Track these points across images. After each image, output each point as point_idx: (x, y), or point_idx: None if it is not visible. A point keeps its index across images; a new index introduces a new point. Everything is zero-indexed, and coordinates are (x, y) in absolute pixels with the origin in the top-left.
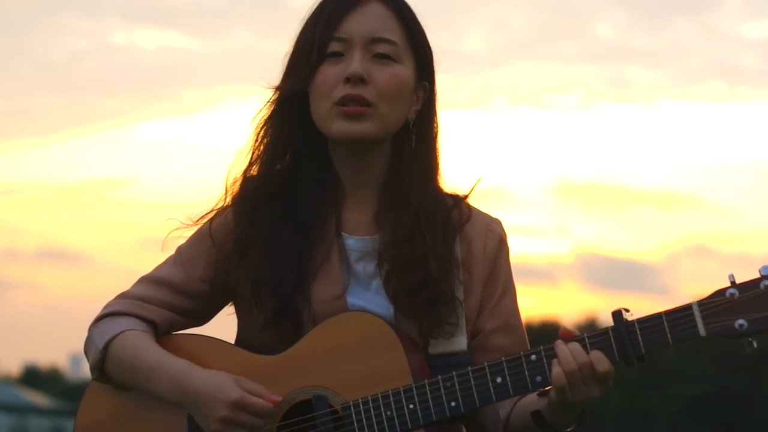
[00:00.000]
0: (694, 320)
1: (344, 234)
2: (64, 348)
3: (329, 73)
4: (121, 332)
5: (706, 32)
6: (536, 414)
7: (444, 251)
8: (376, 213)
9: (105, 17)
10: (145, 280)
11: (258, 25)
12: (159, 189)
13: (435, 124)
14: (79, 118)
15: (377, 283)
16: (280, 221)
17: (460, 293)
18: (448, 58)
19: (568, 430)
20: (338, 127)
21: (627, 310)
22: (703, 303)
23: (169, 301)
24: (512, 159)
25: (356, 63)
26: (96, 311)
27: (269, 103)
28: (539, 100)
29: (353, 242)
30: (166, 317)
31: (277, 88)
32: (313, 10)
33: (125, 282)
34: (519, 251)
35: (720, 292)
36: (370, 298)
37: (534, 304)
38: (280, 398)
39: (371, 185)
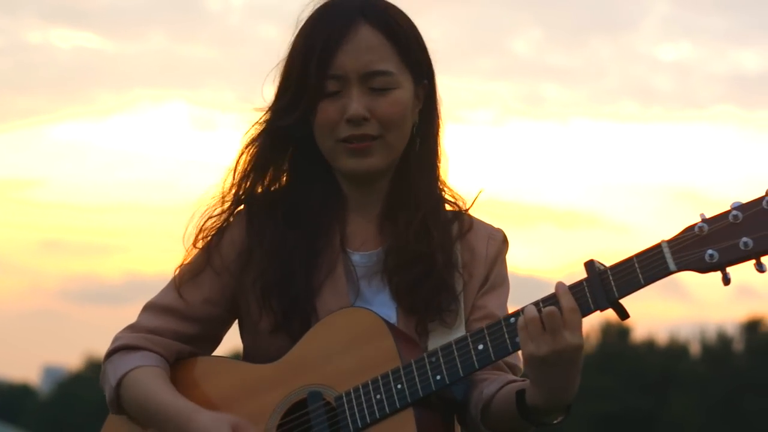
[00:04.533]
0: (663, 257)
1: (349, 250)
2: None
3: (329, 111)
4: (132, 369)
5: (621, 53)
6: (519, 393)
7: (449, 247)
8: (380, 222)
9: (21, 15)
10: (150, 309)
11: (175, 29)
12: (65, 191)
13: (438, 121)
14: None
15: (382, 296)
16: (287, 226)
17: (459, 285)
18: None
19: (551, 421)
20: (347, 164)
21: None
22: (672, 240)
23: (175, 329)
24: None
25: (355, 103)
26: None
27: (260, 125)
28: (453, 115)
29: (358, 258)
30: (174, 349)
31: (273, 121)
32: (302, 36)
33: (27, 282)
34: None
35: (689, 228)
36: (375, 308)
37: None
38: None
39: (375, 195)
